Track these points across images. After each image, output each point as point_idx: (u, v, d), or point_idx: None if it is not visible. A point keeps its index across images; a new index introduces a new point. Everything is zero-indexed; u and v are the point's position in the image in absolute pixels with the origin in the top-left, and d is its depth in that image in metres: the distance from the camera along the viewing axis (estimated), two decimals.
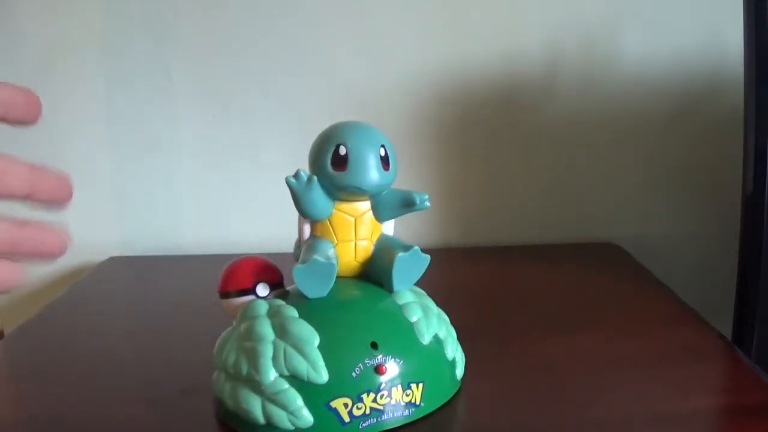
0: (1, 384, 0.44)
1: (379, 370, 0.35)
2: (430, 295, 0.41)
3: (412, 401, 0.36)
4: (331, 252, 0.37)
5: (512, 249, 0.71)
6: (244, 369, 0.36)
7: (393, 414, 0.35)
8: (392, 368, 0.36)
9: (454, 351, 0.40)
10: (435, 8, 0.68)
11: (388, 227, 0.40)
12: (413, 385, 0.36)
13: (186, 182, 0.72)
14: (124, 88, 0.69)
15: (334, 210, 0.38)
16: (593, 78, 0.69)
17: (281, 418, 0.34)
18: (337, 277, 0.37)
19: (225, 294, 0.40)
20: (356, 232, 0.38)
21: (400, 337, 0.37)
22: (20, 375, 0.45)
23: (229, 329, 0.39)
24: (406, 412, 0.36)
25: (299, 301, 0.38)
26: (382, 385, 0.35)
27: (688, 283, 0.64)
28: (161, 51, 0.69)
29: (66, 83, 0.69)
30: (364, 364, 0.35)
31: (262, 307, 0.38)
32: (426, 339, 0.38)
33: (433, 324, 0.38)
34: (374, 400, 0.35)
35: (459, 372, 0.40)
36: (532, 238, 0.73)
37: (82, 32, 0.68)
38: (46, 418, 0.39)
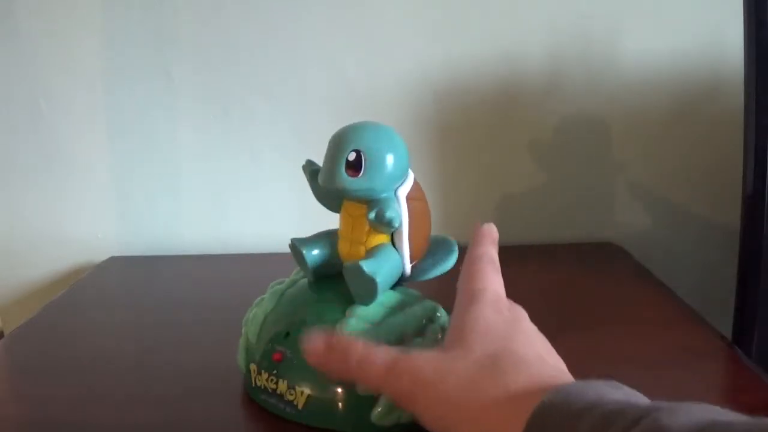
0: (2, 384, 0.44)
1: (275, 356, 0.37)
2: (428, 299, 0.40)
3: (294, 403, 0.36)
4: (324, 242, 0.39)
5: (512, 249, 0.71)
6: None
7: (277, 403, 0.37)
8: (286, 362, 0.37)
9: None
10: (435, 8, 0.68)
11: (399, 238, 0.38)
12: (298, 389, 0.36)
13: (186, 182, 0.72)
14: (125, 88, 0.69)
15: (342, 205, 0.39)
16: (593, 78, 0.69)
17: (238, 360, 0.41)
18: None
19: None
20: (352, 232, 0.38)
21: None
22: (20, 375, 0.45)
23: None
24: (287, 410, 0.37)
25: (303, 278, 0.41)
26: (274, 371, 0.37)
27: (688, 283, 0.64)
28: (161, 51, 0.69)
29: (66, 83, 0.69)
30: (271, 346, 0.38)
31: (296, 276, 0.42)
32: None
33: None
34: (267, 380, 0.38)
35: (377, 412, 0.35)
36: (531, 238, 0.73)
37: (83, 33, 0.68)
38: (46, 418, 0.39)
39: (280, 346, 0.37)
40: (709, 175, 0.72)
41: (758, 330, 0.53)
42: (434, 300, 0.40)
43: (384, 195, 0.36)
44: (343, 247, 0.39)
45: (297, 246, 0.39)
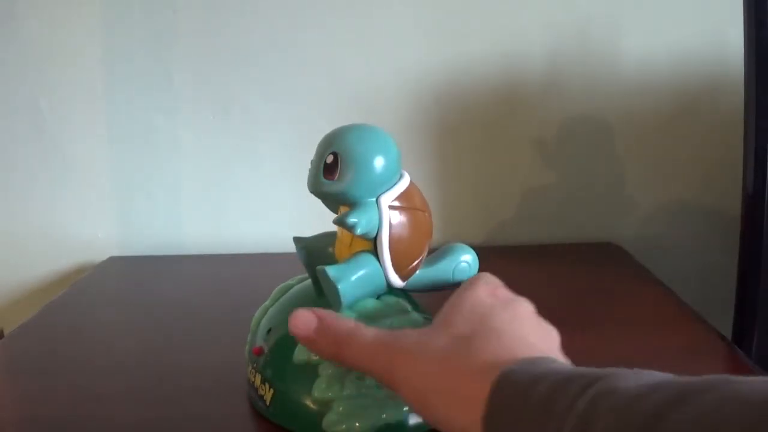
0: (1, 384, 0.44)
1: (254, 350, 0.39)
2: (418, 312, 0.39)
3: (263, 397, 0.37)
4: (325, 242, 0.39)
5: (512, 249, 0.71)
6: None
7: (254, 395, 0.38)
8: (263, 358, 0.38)
9: (331, 392, 0.35)
10: (435, 8, 0.68)
11: (380, 245, 0.36)
12: (267, 385, 0.37)
13: (186, 182, 0.72)
14: (125, 88, 0.69)
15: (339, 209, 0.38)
16: (593, 78, 0.69)
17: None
18: None
19: None
20: (341, 235, 0.38)
21: (284, 339, 0.36)
22: (20, 375, 0.45)
23: None
24: (260, 404, 0.38)
25: (306, 276, 0.41)
26: (255, 365, 0.38)
27: (688, 283, 0.64)
28: (162, 51, 0.69)
29: (66, 84, 0.69)
30: (254, 340, 0.40)
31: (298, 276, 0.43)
32: (295, 357, 0.36)
33: (312, 351, 0.34)
34: (249, 372, 0.39)
35: (329, 418, 0.34)
36: (532, 238, 0.73)
37: (83, 33, 0.68)
38: (46, 418, 0.39)
39: (259, 342, 0.39)
40: (709, 176, 0.72)
41: (758, 330, 0.53)
42: (429, 314, 0.38)
43: (367, 200, 0.35)
44: (337, 248, 0.38)
45: (296, 242, 0.40)
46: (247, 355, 0.40)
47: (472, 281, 0.34)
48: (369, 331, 0.32)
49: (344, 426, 0.34)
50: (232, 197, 0.72)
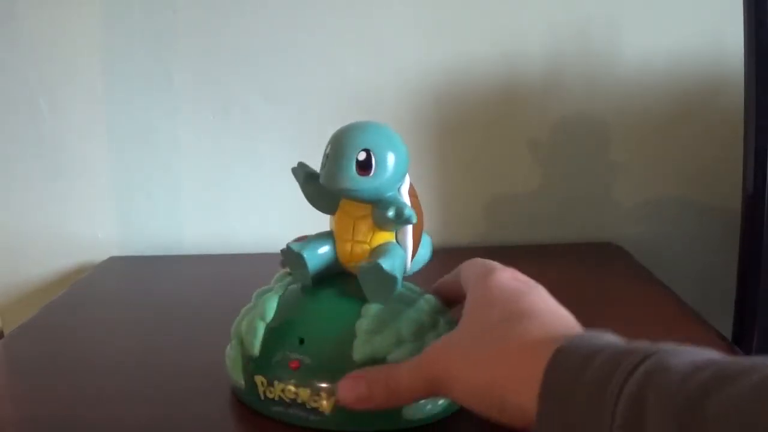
0: (1, 384, 0.44)
1: (291, 364, 0.36)
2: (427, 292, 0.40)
3: (320, 409, 0.35)
4: (324, 246, 0.38)
5: (512, 249, 0.71)
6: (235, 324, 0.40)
7: (298, 412, 0.36)
8: (305, 369, 0.36)
9: None
10: (435, 8, 0.68)
11: (405, 236, 0.38)
12: (323, 394, 0.35)
13: (186, 182, 0.72)
14: (125, 88, 0.69)
15: (339, 207, 0.38)
16: (593, 78, 0.69)
17: (230, 374, 0.39)
18: (343, 273, 0.39)
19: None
20: (354, 232, 0.38)
21: (330, 343, 0.36)
22: (20, 375, 0.45)
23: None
24: (311, 417, 0.36)
25: (292, 284, 0.40)
26: (292, 381, 0.36)
27: (688, 283, 0.64)
28: (162, 51, 0.69)
29: (66, 84, 0.69)
30: (285, 354, 0.36)
31: (284, 280, 0.41)
32: (357, 356, 0.35)
33: (375, 345, 0.35)
34: (282, 391, 0.36)
35: (413, 412, 0.36)
36: (532, 238, 0.73)
37: (83, 33, 0.68)
38: (46, 418, 0.39)
39: (295, 354, 0.36)
40: (709, 176, 0.72)
41: (758, 330, 0.53)
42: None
43: (389, 194, 0.37)
44: (343, 249, 0.38)
45: (296, 250, 0.38)
46: (265, 375, 0.37)
47: (486, 270, 0.35)
48: (403, 365, 0.33)
49: (429, 406, 0.35)
50: (232, 197, 0.72)
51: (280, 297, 0.39)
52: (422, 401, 0.35)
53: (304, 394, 0.36)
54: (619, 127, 0.71)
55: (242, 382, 0.38)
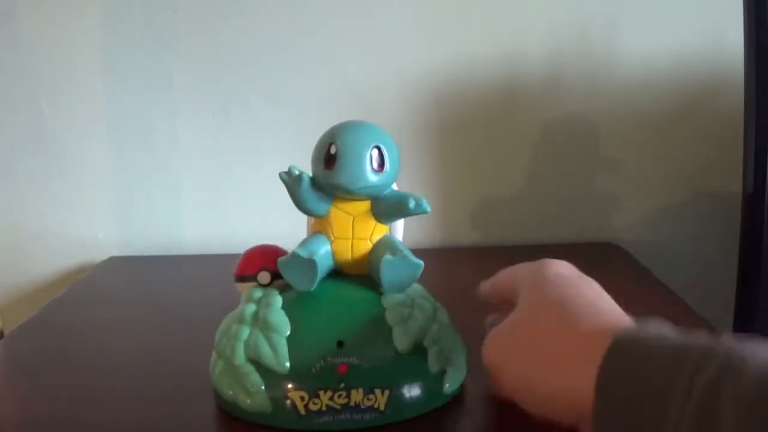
0: (1, 384, 0.44)
1: (339, 369, 0.35)
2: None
3: (375, 406, 0.35)
4: (324, 248, 0.38)
5: (513, 249, 0.71)
6: (227, 350, 0.38)
7: (351, 416, 0.35)
8: (354, 370, 0.35)
9: (443, 363, 0.37)
10: (435, 8, 0.68)
11: (396, 228, 0.40)
12: (377, 391, 0.35)
13: (186, 182, 0.72)
14: (125, 88, 0.69)
15: (332, 207, 0.38)
16: (593, 78, 0.69)
17: (244, 399, 0.36)
18: (339, 274, 0.39)
19: (238, 278, 0.42)
20: (354, 230, 0.38)
21: (371, 339, 0.36)
22: (20, 375, 0.45)
23: (230, 313, 0.41)
24: (367, 417, 0.35)
25: (290, 292, 0.39)
26: (341, 385, 0.35)
27: (688, 283, 0.64)
28: (162, 51, 0.69)
29: (66, 84, 0.69)
30: (326, 361, 0.35)
31: (257, 294, 0.39)
32: (402, 346, 0.36)
33: (411, 331, 0.36)
34: (331, 399, 0.35)
35: (449, 385, 0.38)
36: (532, 238, 0.73)
37: (83, 33, 0.68)
38: (46, 418, 0.39)
39: (338, 358, 0.35)
40: (709, 175, 0.72)
41: (758, 330, 0.53)
42: None
43: (392, 188, 0.38)
44: (342, 248, 0.38)
45: (306, 257, 0.37)
46: (307, 389, 0.35)
47: (540, 263, 0.36)
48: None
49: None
50: (232, 197, 0.72)
51: (282, 308, 0.38)
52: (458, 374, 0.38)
53: (357, 395, 0.35)
54: (620, 127, 0.71)
55: (269, 405, 0.35)
